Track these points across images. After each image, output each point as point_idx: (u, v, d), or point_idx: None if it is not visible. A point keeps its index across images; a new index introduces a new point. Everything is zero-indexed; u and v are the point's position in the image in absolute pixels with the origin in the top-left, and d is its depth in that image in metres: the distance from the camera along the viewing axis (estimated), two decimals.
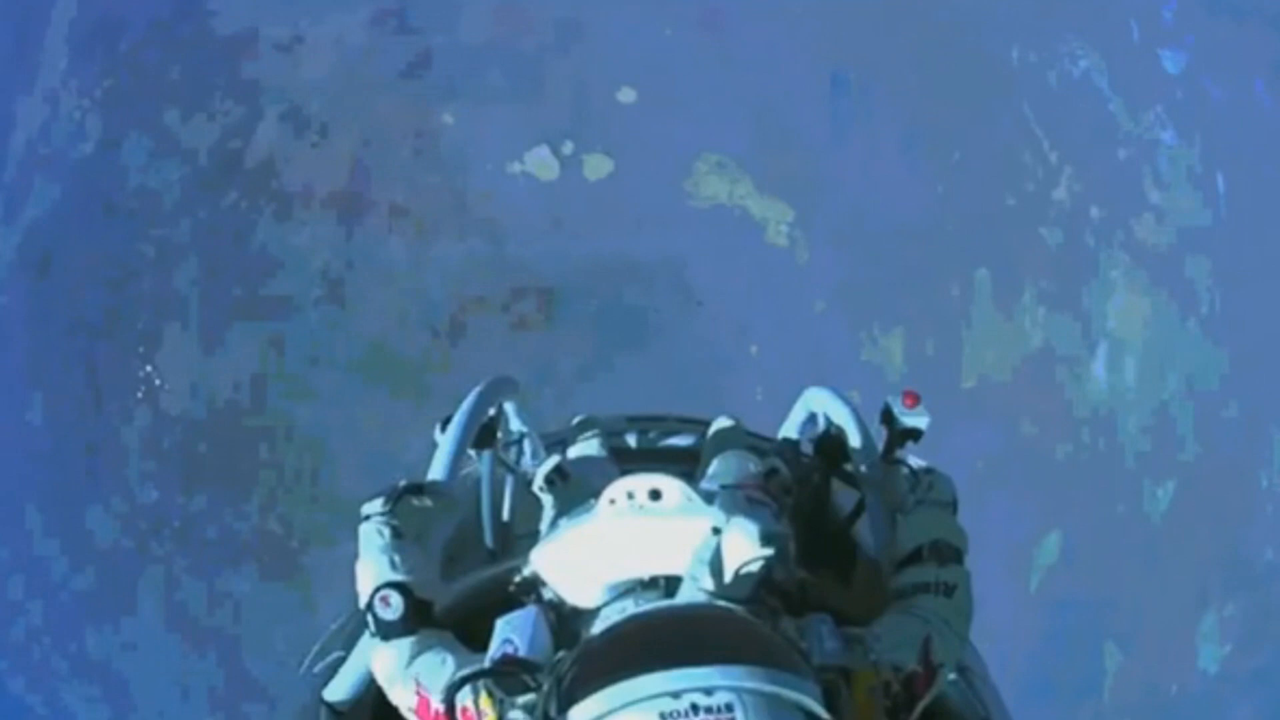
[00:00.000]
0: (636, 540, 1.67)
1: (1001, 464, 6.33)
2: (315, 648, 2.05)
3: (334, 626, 2.10)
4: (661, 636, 1.34)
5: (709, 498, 1.70)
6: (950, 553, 1.77)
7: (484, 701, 1.46)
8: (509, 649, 1.51)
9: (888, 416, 2.25)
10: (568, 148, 6.50)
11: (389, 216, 6.48)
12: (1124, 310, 6.70)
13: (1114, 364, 6.67)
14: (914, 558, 1.77)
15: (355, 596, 1.72)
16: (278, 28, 6.63)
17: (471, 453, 2.32)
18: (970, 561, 1.80)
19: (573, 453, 2.58)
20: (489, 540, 2.45)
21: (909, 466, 1.98)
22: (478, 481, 2.42)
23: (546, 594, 1.75)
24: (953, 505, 1.88)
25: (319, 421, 6.20)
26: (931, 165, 6.61)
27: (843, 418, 2.29)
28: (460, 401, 2.26)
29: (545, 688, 1.33)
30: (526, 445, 2.67)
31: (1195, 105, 6.79)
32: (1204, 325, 6.66)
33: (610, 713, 1.22)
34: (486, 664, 1.50)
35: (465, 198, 6.47)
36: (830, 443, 2.36)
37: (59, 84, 6.65)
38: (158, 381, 6.34)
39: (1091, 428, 6.62)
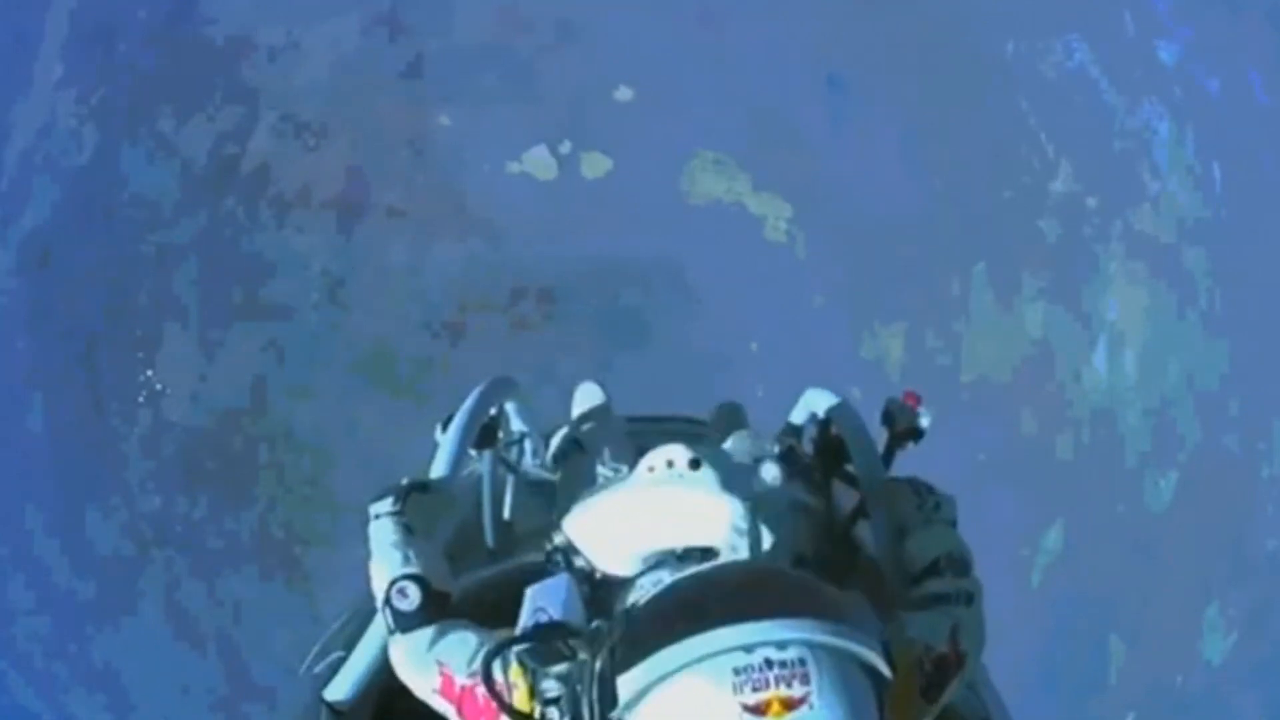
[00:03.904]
0: (674, 509, 1.66)
1: (1002, 458, 6.34)
2: (315, 648, 2.05)
3: (334, 626, 2.10)
4: (729, 591, 1.30)
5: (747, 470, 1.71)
6: (965, 565, 1.76)
7: (514, 674, 1.43)
8: (542, 618, 1.46)
9: (888, 417, 2.24)
10: (565, 147, 6.50)
11: (387, 218, 6.48)
12: (1123, 302, 6.70)
13: (1114, 356, 6.67)
14: (931, 570, 1.76)
15: (354, 597, 1.72)
16: (273, 32, 6.63)
17: (472, 452, 2.32)
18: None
19: (586, 428, 2.57)
20: (489, 540, 2.44)
21: (912, 484, 1.97)
22: (478, 481, 2.42)
23: (578, 562, 1.74)
24: (955, 522, 1.88)
25: (319, 423, 6.21)
26: (928, 160, 6.60)
27: (843, 418, 2.28)
28: (461, 401, 2.26)
29: (605, 647, 1.29)
30: (527, 445, 2.67)
31: (1191, 97, 6.79)
32: (1203, 316, 6.66)
33: (681, 668, 1.19)
34: (519, 633, 1.45)
35: (464, 199, 6.47)
36: (830, 443, 2.35)
37: (56, 89, 6.65)
38: (158, 386, 6.34)
39: (1092, 421, 6.62)
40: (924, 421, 2.19)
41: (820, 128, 6.59)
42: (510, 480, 2.52)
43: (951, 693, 1.54)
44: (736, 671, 1.16)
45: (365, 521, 1.79)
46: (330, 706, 1.90)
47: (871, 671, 1.25)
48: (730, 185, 6.50)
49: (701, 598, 1.29)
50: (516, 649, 1.41)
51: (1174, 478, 6.57)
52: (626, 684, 1.24)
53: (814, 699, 1.15)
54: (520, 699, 1.41)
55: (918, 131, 6.61)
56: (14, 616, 6.22)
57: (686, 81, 6.47)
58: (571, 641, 1.37)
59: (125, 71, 6.68)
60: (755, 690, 1.15)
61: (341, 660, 1.95)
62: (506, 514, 2.49)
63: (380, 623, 1.76)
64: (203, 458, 6.29)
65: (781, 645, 1.18)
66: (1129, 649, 6.49)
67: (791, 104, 6.59)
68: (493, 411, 2.37)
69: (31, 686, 6.19)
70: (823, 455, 2.33)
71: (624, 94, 6.52)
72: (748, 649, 1.18)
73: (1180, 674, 6.55)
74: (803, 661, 1.17)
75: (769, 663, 1.17)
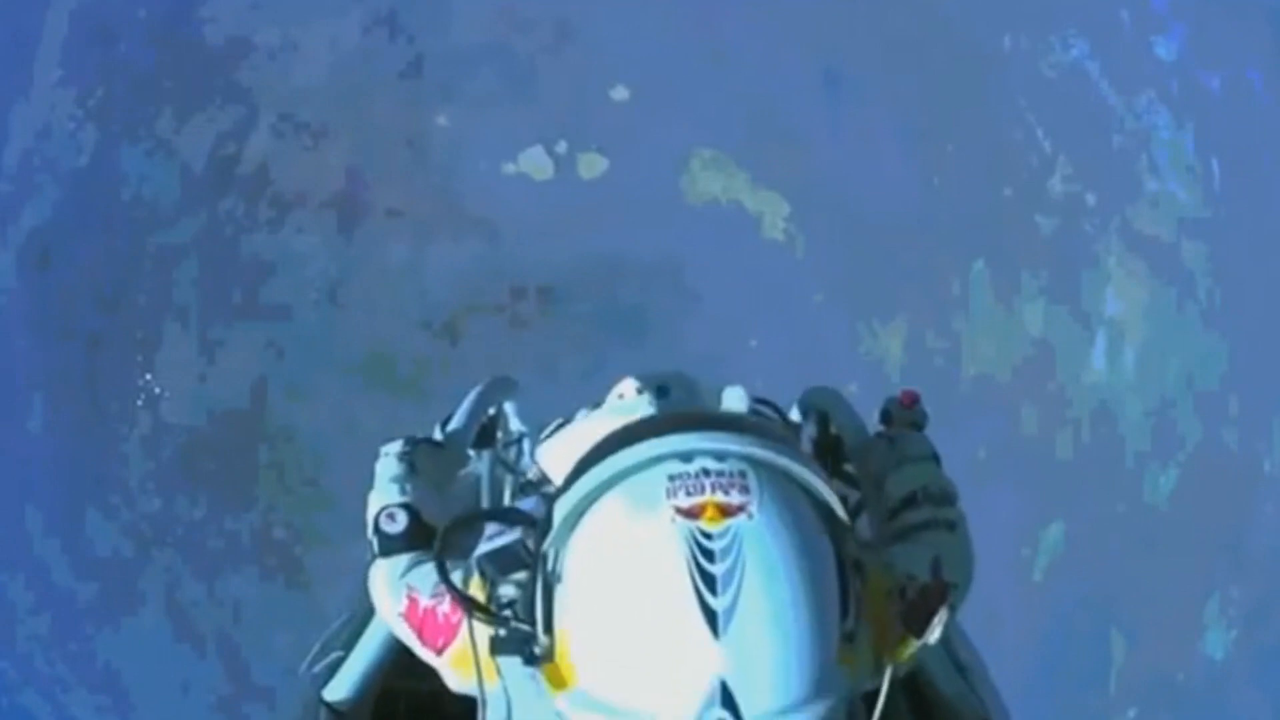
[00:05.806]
0: None
1: (1003, 455, 6.34)
2: (315, 648, 2.06)
3: (334, 626, 2.11)
4: (670, 415, 1.29)
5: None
6: (945, 496, 1.69)
7: (475, 586, 1.41)
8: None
9: (886, 415, 2.24)
10: (561, 147, 6.50)
11: (386, 218, 6.48)
12: (1123, 300, 6.70)
13: (1114, 355, 6.67)
14: (909, 502, 1.69)
15: (354, 597, 1.72)
16: (272, 32, 6.63)
17: (471, 452, 2.33)
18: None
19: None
20: None
21: (886, 435, 1.94)
22: (477, 481, 2.43)
23: (550, 490, 1.74)
24: (935, 458, 1.82)
25: (319, 424, 6.21)
26: (927, 157, 6.60)
27: (843, 418, 2.28)
28: (460, 401, 2.27)
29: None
30: (525, 445, 2.68)
31: (1190, 93, 6.79)
32: (1204, 311, 6.66)
33: (617, 479, 1.16)
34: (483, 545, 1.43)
35: (461, 199, 6.47)
36: (829, 441, 2.34)
37: (55, 90, 6.65)
38: (158, 388, 6.34)
39: (1092, 416, 6.62)
40: (922, 420, 2.17)
41: (818, 125, 6.59)
42: (509, 480, 2.53)
43: (940, 626, 1.42)
44: (671, 478, 1.12)
45: (365, 522, 1.80)
46: (330, 706, 1.91)
47: (826, 514, 1.19)
48: (728, 183, 6.50)
49: (640, 423, 1.26)
50: (477, 555, 1.39)
51: (1174, 475, 6.57)
52: (560, 508, 1.19)
53: (753, 508, 1.10)
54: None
55: (916, 128, 6.61)
56: (14, 616, 6.22)
57: (683, 79, 6.47)
58: (530, 543, 1.33)
59: (125, 71, 6.68)
60: (689, 495, 1.10)
61: (341, 660, 1.96)
62: None
63: (380, 622, 1.77)
64: (203, 458, 6.29)
65: (720, 456, 1.14)
66: (1130, 645, 6.49)
67: (789, 101, 6.59)
68: (492, 411, 2.38)
69: (31, 686, 6.19)
70: (822, 454, 2.34)
71: (620, 93, 6.52)
72: (685, 457, 1.14)
73: (1182, 670, 6.55)
74: (743, 474, 1.13)
75: (706, 471, 1.12)
